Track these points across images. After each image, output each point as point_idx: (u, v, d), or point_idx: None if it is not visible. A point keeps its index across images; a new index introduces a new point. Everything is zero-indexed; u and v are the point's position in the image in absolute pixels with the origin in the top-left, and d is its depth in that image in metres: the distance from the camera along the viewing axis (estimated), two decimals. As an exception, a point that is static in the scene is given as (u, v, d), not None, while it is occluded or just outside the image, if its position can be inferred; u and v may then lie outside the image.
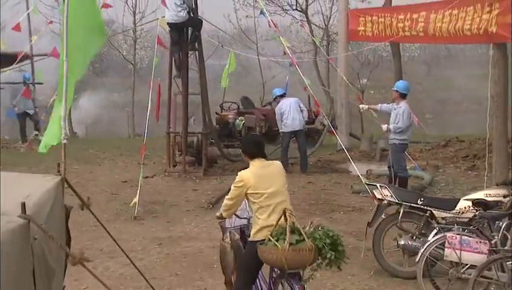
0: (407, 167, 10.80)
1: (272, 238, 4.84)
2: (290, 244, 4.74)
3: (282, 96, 13.15)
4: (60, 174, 3.60)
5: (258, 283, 5.50)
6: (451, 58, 51.14)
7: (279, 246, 4.75)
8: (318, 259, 4.92)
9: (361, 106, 11.87)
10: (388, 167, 10.55)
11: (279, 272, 5.15)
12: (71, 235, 3.71)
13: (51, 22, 14.69)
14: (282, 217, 4.92)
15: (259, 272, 5.44)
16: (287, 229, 4.80)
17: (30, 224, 2.81)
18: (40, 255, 2.90)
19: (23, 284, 2.70)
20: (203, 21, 13.02)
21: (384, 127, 10.19)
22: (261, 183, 5.14)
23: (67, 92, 3.78)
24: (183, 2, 11.87)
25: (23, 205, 2.72)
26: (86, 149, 15.94)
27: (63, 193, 3.57)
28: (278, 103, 13.12)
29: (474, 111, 31.94)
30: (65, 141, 3.80)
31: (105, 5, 13.18)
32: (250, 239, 5.27)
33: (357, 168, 10.61)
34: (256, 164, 5.28)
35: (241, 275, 5.38)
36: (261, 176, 5.18)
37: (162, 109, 12.97)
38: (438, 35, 11.18)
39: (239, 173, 5.31)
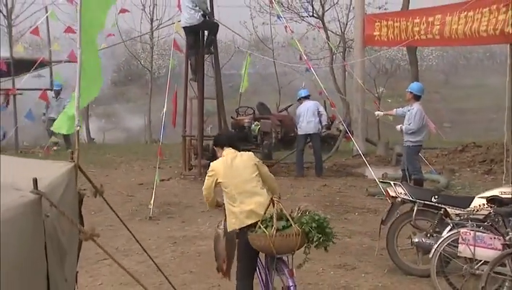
0: (424, 171, 10.76)
1: (261, 226, 5.03)
2: (277, 230, 4.93)
3: (306, 98, 13.18)
4: (74, 161, 3.66)
5: (258, 272, 5.60)
6: (470, 67, 50.82)
7: (266, 232, 4.93)
8: (306, 242, 5.08)
9: (377, 112, 11.90)
10: (402, 170, 10.53)
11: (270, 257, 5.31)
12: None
13: (70, 30, 14.87)
14: (271, 205, 5.12)
15: (259, 260, 5.55)
16: (274, 216, 4.98)
17: (42, 201, 2.87)
18: (52, 233, 2.93)
19: (35, 258, 2.74)
20: (220, 27, 13.12)
21: (398, 127, 10.25)
22: (230, 172, 5.38)
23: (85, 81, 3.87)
24: (195, 4, 11.96)
25: (35, 180, 2.77)
26: (103, 154, 16.09)
27: (76, 180, 3.62)
28: (300, 104, 13.20)
29: (492, 120, 31.67)
30: (78, 128, 3.86)
31: (123, 10, 13.33)
32: (229, 229, 5.45)
33: (372, 172, 10.61)
34: (226, 154, 5.52)
35: (240, 264, 5.52)
36: (231, 165, 5.42)
37: (178, 115, 13.07)
38: (453, 37, 11.17)
39: (211, 164, 5.57)
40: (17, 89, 14.97)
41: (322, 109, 13.23)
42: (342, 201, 10.57)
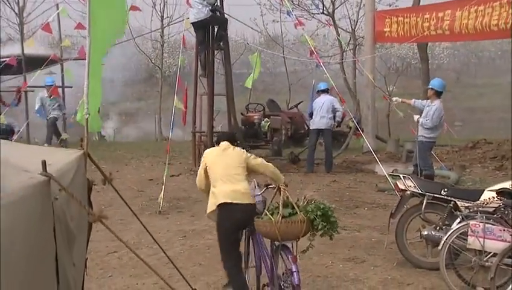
0: (434, 168, 10.72)
1: (267, 213, 5.21)
2: (283, 217, 5.07)
3: (325, 91, 13.11)
4: (83, 149, 3.68)
5: (261, 258, 5.72)
6: (481, 66, 50.54)
7: (272, 219, 5.09)
8: (311, 230, 5.21)
9: (394, 98, 11.76)
10: (414, 165, 10.50)
11: (279, 243, 5.42)
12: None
13: (81, 26, 14.94)
14: (278, 193, 5.35)
15: (262, 250, 5.67)
16: (280, 202, 5.17)
17: (51, 184, 2.89)
18: (60, 216, 2.96)
19: (44, 240, 2.76)
20: (231, 23, 13.16)
21: (416, 117, 10.14)
22: (218, 158, 5.66)
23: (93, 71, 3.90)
24: None
25: (44, 162, 2.80)
26: (114, 151, 16.17)
27: (86, 167, 3.64)
28: (319, 97, 13.14)
29: (504, 119, 31.48)
30: (87, 116, 3.89)
31: (134, 8, 13.36)
32: (208, 211, 5.68)
33: (383, 168, 10.58)
34: (220, 145, 5.81)
35: (221, 246, 5.75)
36: (221, 154, 5.71)
37: (188, 113, 13.10)
38: (464, 32, 11.14)
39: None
40: (28, 86, 15.05)
41: (338, 105, 13.03)
42: (351, 196, 10.56)
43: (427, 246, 6.84)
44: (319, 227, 5.13)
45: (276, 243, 5.47)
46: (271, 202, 5.38)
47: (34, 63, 14.91)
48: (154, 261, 7.31)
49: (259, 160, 5.81)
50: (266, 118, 16.36)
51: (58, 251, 2.93)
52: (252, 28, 21.66)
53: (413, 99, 10.88)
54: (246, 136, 14.85)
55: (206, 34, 12.36)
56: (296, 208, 5.16)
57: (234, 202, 5.45)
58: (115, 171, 12.78)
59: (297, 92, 23.93)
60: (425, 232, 6.75)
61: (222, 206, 5.50)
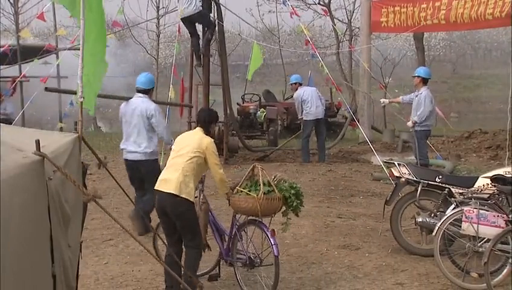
0: (430, 158, 10.74)
1: (243, 189, 5.53)
2: (264, 193, 5.41)
3: (300, 84, 13.11)
4: (77, 133, 3.68)
5: (216, 237, 5.97)
6: (477, 57, 50.63)
7: (254, 195, 5.41)
8: (283, 207, 5.62)
9: (382, 100, 11.86)
10: (415, 155, 10.52)
11: (247, 219, 5.71)
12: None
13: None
14: (252, 172, 5.65)
15: (214, 228, 5.92)
16: (260, 180, 5.48)
17: (45, 165, 2.90)
18: (55, 196, 2.97)
19: (38, 218, 2.78)
20: (226, 14, 13.11)
21: (409, 123, 10.17)
22: (180, 141, 5.63)
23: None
24: None
25: (38, 142, 2.80)
26: (109, 141, 16.16)
27: (80, 150, 3.63)
28: (295, 90, 13.08)
29: (500, 111, 31.56)
30: (81, 100, 3.88)
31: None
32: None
33: (378, 157, 10.60)
34: (194, 129, 5.84)
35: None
36: (186, 137, 5.69)
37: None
38: (459, 22, 11.16)
39: None
40: (24, 77, 15.01)
41: (319, 93, 13.12)
42: (347, 185, 10.58)
43: (421, 233, 6.87)
44: (293, 205, 5.57)
45: (239, 219, 5.77)
46: (242, 180, 5.65)
47: (29, 52, 14.87)
48: (150, 247, 7.31)
49: (215, 162, 5.51)
50: (262, 109, 16.37)
51: (53, 231, 2.95)
52: (246, 22, 21.59)
53: (401, 97, 10.93)
54: (242, 126, 14.86)
55: (195, 28, 12.27)
56: (273, 186, 5.50)
57: (159, 189, 5.46)
58: (111, 161, 12.78)
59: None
60: (420, 219, 6.77)
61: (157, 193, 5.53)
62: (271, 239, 5.48)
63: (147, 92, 7.93)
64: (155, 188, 5.53)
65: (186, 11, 11.93)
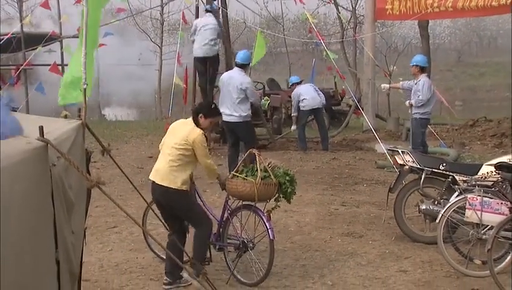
0: (434, 145, 10.70)
1: (239, 175, 5.60)
2: (261, 178, 5.48)
3: (299, 83, 13.24)
4: (81, 119, 3.68)
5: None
6: (482, 45, 50.37)
7: (252, 179, 5.48)
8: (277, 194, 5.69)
9: (383, 85, 11.79)
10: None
11: (242, 204, 5.78)
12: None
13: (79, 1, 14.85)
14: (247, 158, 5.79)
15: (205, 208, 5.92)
16: (258, 165, 5.53)
17: (48, 151, 2.90)
18: (58, 183, 2.97)
19: (42, 204, 2.78)
20: (232, 1, 13.07)
21: (407, 102, 10.14)
22: (171, 131, 5.67)
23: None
24: (217, 38, 11.77)
25: (41, 128, 2.81)
26: (114, 129, 16.18)
27: (84, 137, 3.63)
28: (293, 90, 13.24)
29: (505, 99, 31.46)
30: (85, 86, 3.88)
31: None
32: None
33: (382, 145, 10.57)
34: (184, 120, 5.82)
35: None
36: (176, 127, 5.70)
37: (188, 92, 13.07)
38: (466, 9, 11.04)
39: None
40: (28, 64, 15.03)
41: (317, 88, 13.41)
42: (350, 173, 10.58)
43: (425, 220, 6.87)
44: (288, 191, 5.65)
45: (232, 204, 5.86)
46: (238, 165, 5.77)
47: (33, 40, 14.87)
48: (154, 235, 7.34)
49: (202, 154, 5.51)
50: (266, 97, 16.33)
51: (56, 217, 2.96)
52: (250, 9, 21.49)
53: (401, 82, 10.87)
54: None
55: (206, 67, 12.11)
56: (269, 171, 5.55)
57: (151, 179, 5.51)
58: (115, 149, 12.81)
59: (297, 72, 23.76)
60: (424, 207, 6.78)
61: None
62: (267, 223, 5.55)
63: (243, 66, 9.67)
64: (150, 177, 5.64)
65: (201, 51, 11.76)
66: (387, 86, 11.53)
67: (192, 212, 5.62)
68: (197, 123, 5.58)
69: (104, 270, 6.20)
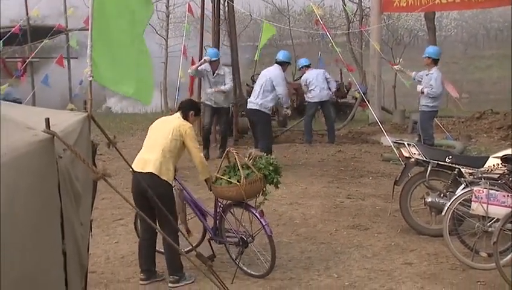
0: (440, 138, 10.67)
1: (222, 177, 5.56)
2: (245, 177, 5.42)
3: (308, 66, 13.16)
4: (87, 112, 3.68)
5: (200, 217, 6.04)
6: (489, 37, 50.08)
7: (236, 182, 5.43)
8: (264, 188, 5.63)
9: (395, 67, 11.68)
10: (418, 135, 10.50)
11: (230, 202, 5.74)
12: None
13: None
14: (226, 158, 5.71)
15: (196, 209, 5.99)
16: (238, 165, 5.48)
17: (55, 143, 2.91)
18: (65, 174, 2.97)
19: (48, 196, 2.79)
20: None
21: (419, 87, 10.07)
22: (157, 125, 5.76)
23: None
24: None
25: (47, 120, 2.81)
26: (120, 122, 16.20)
27: (90, 129, 3.64)
28: (303, 73, 13.17)
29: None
30: (90, 79, 3.88)
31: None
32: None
33: (388, 138, 10.53)
34: (172, 115, 5.87)
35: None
36: (163, 121, 5.81)
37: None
38: (473, 0, 10.99)
39: None
40: (34, 57, 15.04)
41: (328, 75, 13.24)
42: (356, 166, 10.57)
43: (430, 213, 6.86)
44: (274, 180, 5.63)
45: (222, 201, 5.81)
46: (219, 168, 5.67)
47: (40, 33, 14.88)
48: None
49: (194, 146, 5.59)
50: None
51: (64, 209, 2.96)
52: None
53: (414, 72, 10.77)
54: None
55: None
56: (252, 167, 5.51)
57: (138, 170, 5.36)
58: (121, 141, 12.84)
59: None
60: (429, 199, 6.76)
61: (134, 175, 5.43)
62: (261, 220, 5.52)
63: (281, 63, 10.24)
64: (134, 168, 5.42)
65: (217, 102, 11.54)
66: (402, 68, 11.35)
67: (173, 206, 5.62)
68: (185, 118, 5.70)
69: (110, 262, 6.22)
